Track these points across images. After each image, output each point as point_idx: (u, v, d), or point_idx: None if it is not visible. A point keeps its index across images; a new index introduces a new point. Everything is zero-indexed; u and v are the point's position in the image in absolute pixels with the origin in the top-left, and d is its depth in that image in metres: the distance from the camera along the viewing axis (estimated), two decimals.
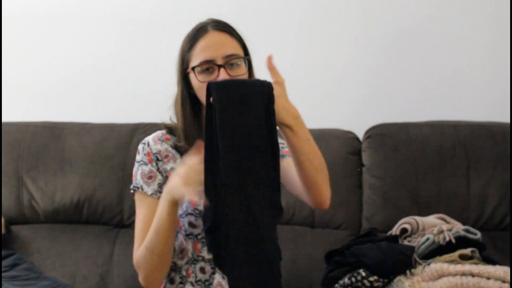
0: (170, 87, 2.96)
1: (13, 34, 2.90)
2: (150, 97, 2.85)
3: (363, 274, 1.95)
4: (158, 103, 2.84)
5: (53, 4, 2.88)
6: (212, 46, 1.71)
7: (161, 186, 1.76)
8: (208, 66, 1.69)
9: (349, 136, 2.56)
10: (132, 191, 1.79)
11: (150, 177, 1.76)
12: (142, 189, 1.76)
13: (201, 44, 1.72)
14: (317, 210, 2.44)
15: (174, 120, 1.83)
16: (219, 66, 1.67)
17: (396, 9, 2.76)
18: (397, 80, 2.77)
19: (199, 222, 1.75)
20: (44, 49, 2.90)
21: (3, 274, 2.31)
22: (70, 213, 2.55)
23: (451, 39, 2.74)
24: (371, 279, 1.95)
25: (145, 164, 1.77)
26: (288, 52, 2.77)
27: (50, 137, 2.60)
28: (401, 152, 2.46)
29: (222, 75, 1.66)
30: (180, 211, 1.75)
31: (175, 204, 1.62)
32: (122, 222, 2.55)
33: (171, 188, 1.60)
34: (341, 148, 2.51)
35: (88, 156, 2.55)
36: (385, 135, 2.51)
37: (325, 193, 1.66)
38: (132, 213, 2.53)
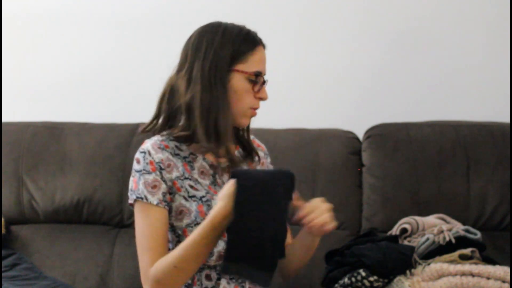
0: None
1: (13, 34, 2.90)
2: (150, 97, 2.84)
3: (363, 274, 1.95)
4: None
5: (53, 4, 2.88)
6: (264, 61, 1.76)
7: (165, 195, 1.70)
8: (259, 78, 1.73)
9: (349, 136, 2.56)
10: (131, 202, 1.73)
11: (154, 186, 1.70)
12: (146, 199, 1.69)
13: (259, 54, 1.74)
14: None
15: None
16: (264, 82, 1.74)
17: (396, 9, 2.76)
18: (397, 80, 2.77)
19: None
20: (44, 49, 2.90)
21: (3, 274, 2.31)
22: (70, 213, 2.55)
23: (451, 39, 2.74)
24: (371, 279, 1.95)
25: (148, 173, 1.70)
26: (288, 52, 2.77)
27: (50, 137, 2.60)
28: (401, 152, 2.46)
29: (265, 92, 1.74)
30: (188, 221, 1.72)
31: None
32: (122, 222, 2.55)
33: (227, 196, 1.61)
34: (341, 148, 2.51)
35: (88, 156, 2.55)
36: (385, 135, 2.51)
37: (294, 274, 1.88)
38: (132, 213, 2.51)
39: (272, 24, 2.78)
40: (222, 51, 1.70)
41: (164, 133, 1.78)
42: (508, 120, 2.61)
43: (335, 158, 2.49)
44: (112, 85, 2.88)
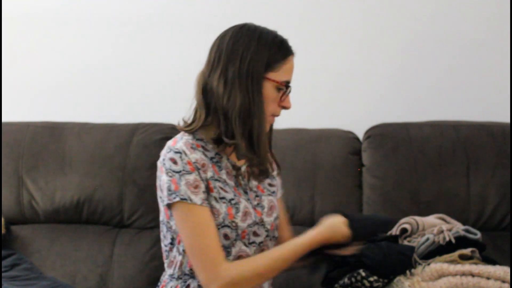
0: (170, 87, 2.98)
1: (13, 34, 2.90)
2: (150, 97, 2.86)
3: (363, 274, 1.95)
4: (158, 103, 2.87)
5: (53, 4, 2.88)
6: (292, 70, 1.80)
7: (205, 194, 1.70)
8: (287, 88, 1.77)
9: (349, 136, 2.56)
10: (170, 202, 1.69)
11: (196, 186, 1.68)
12: (190, 200, 1.67)
13: (290, 63, 1.77)
14: (317, 210, 2.45)
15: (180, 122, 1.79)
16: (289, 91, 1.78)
17: (396, 9, 2.76)
18: (397, 80, 2.77)
19: (233, 235, 1.73)
20: (44, 49, 2.90)
21: (2, 274, 2.31)
22: (70, 213, 2.55)
23: (451, 39, 2.74)
24: (371, 279, 1.95)
25: (189, 173, 1.68)
26: None
27: (50, 137, 2.60)
28: (401, 152, 2.46)
29: (289, 101, 1.80)
30: (215, 222, 1.71)
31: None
32: (122, 222, 2.55)
33: (336, 237, 1.77)
34: (341, 148, 2.51)
35: (88, 156, 2.55)
36: (385, 135, 2.51)
37: None
38: (132, 213, 2.53)
39: (272, 24, 2.77)
40: (258, 58, 1.71)
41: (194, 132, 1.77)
42: (508, 120, 2.61)
43: (335, 158, 2.49)
44: (112, 85, 2.88)
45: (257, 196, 1.82)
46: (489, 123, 2.54)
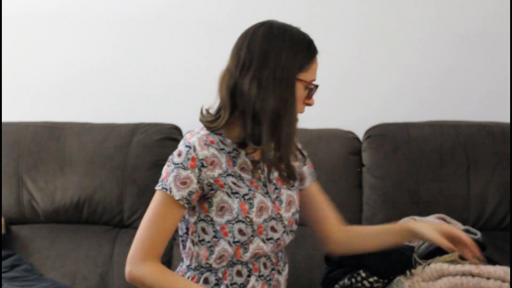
0: (170, 87, 2.97)
1: (13, 34, 2.89)
2: (150, 97, 2.86)
3: (363, 274, 1.96)
4: (158, 103, 2.86)
5: (53, 4, 2.88)
6: (317, 68, 1.82)
7: (190, 194, 1.69)
8: (316, 86, 1.80)
9: (349, 136, 2.56)
10: (156, 189, 1.71)
11: (184, 183, 1.68)
12: (170, 192, 1.68)
13: (316, 62, 1.79)
14: None
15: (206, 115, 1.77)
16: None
17: (397, 10, 2.76)
18: (397, 80, 2.77)
19: (249, 230, 1.72)
20: (44, 49, 2.90)
21: (2, 275, 2.31)
22: (70, 213, 2.55)
23: (451, 39, 2.74)
24: (371, 279, 1.95)
25: (184, 168, 1.68)
26: None
27: (50, 137, 2.60)
28: (401, 152, 2.46)
29: (313, 99, 1.80)
30: (229, 217, 1.71)
31: None
32: (122, 222, 2.55)
33: None
34: (341, 148, 2.51)
35: (88, 156, 2.55)
36: (385, 135, 2.51)
37: None
38: (132, 213, 2.53)
39: None
40: (291, 61, 1.71)
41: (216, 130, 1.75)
42: (508, 120, 2.61)
43: (335, 158, 2.49)
44: (112, 85, 2.87)
45: (276, 189, 1.80)
46: (489, 123, 2.54)
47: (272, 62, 1.68)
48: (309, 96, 1.78)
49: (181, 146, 1.71)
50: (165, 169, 1.71)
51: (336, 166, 2.48)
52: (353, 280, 1.96)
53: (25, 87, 2.91)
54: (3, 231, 2.45)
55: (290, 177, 1.79)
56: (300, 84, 1.73)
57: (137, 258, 1.70)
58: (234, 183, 1.72)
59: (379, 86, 2.78)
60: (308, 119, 2.72)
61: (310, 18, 2.80)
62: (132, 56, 2.86)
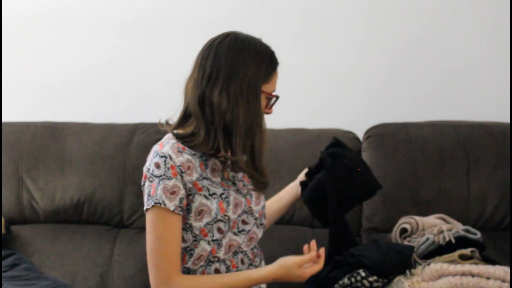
0: (170, 87, 2.97)
1: (13, 34, 2.90)
2: (150, 97, 2.86)
3: (363, 274, 1.95)
4: (158, 103, 2.86)
5: (53, 4, 2.88)
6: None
7: (181, 201, 1.72)
8: (276, 98, 1.82)
9: (349, 136, 2.56)
10: (147, 208, 1.73)
11: (173, 192, 1.71)
12: (164, 205, 1.70)
13: (277, 73, 1.81)
14: None
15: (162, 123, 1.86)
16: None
17: (396, 10, 2.76)
18: (397, 80, 2.77)
19: (226, 227, 1.77)
20: (44, 49, 2.90)
21: (3, 274, 2.31)
22: (70, 213, 2.55)
23: (451, 39, 2.74)
24: (371, 279, 1.95)
25: (168, 178, 1.71)
26: (288, 52, 2.75)
27: (50, 137, 2.60)
28: (401, 152, 2.46)
29: (272, 108, 1.83)
30: (208, 219, 1.75)
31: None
32: (122, 222, 2.55)
33: (289, 277, 1.76)
34: None
35: (88, 156, 2.55)
36: (385, 135, 2.51)
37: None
38: (132, 213, 2.53)
39: (273, 24, 2.78)
40: (256, 73, 1.74)
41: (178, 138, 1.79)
42: (508, 120, 2.61)
43: None
44: (112, 85, 2.88)
45: (244, 185, 1.87)
46: (489, 123, 2.54)
47: (240, 75, 1.72)
48: (269, 106, 1.81)
49: (155, 158, 1.73)
50: (149, 185, 1.73)
51: None
52: (353, 279, 1.96)
53: (25, 87, 2.91)
54: (3, 231, 2.45)
55: (264, 184, 1.83)
56: (263, 95, 1.77)
57: (162, 282, 1.71)
58: (210, 185, 1.77)
59: (379, 86, 2.78)
60: (308, 119, 2.74)
61: (310, 18, 2.80)
62: (132, 56, 2.86)
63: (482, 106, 2.72)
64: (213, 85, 1.73)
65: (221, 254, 1.79)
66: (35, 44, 2.90)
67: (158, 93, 2.85)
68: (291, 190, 2.09)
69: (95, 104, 2.87)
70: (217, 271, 1.78)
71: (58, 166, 2.56)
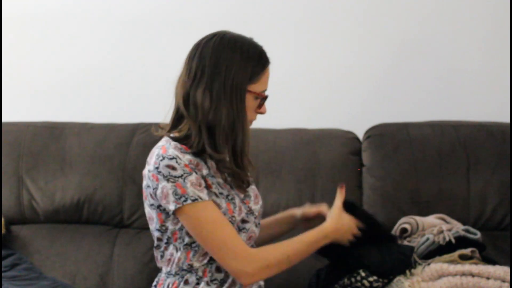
0: (170, 87, 2.96)
1: (13, 34, 2.90)
2: (150, 97, 2.86)
3: (363, 274, 1.95)
4: (158, 103, 2.85)
5: (53, 4, 2.88)
6: (269, 78, 1.81)
7: (207, 187, 1.74)
8: (265, 96, 1.79)
9: (349, 136, 2.56)
10: (180, 206, 1.70)
11: (200, 184, 1.72)
12: (200, 198, 1.71)
13: (267, 73, 1.79)
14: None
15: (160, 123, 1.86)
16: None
17: (396, 10, 2.76)
18: (397, 80, 2.77)
19: None
20: (44, 49, 2.90)
21: (3, 274, 2.31)
22: (70, 213, 2.55)
23: (451, 39, 2.74)
24: (371, 279, 1.95)
25: (190, 174, 1.71)
26: (288, 52, 2.77)
27: (50, 137, 2.60)
28: (401, 152, 2.46)
29: (265, 107, 1.81)
30: None
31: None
32: (122, 222, 2.55)
33: (340, 237, 1.87)
34: (341, 148, 2.51)
35: (88, 156, 2.55)
36: (385, 135, 2.51)
37: None
38: (132, 213, 2.53)
39: (273, 24, 2.78)
40: (241, 72, 1.73)
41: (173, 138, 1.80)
42: (508, 120, 2.61)
43: (335, 158, 2.49)
44: (112, 85, 2.88)
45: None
46: (489, 123, 2.54)
47: (223, 74, 1.72)
48: (260, 105, 1.80)
49: (164, 161, 1.72)
50: (174, 185, 1.71)
51: (336, 166, 2.48)
52: (353, 279, 1.96)
53: (25, 87, 2.91)
54: (3, 231, 2.45)
55: (246, 183, 1.83)
56: (250, 95, 1.76)
57: (242, 257, 1.73)
58: (218, 184, 1.77)
59: (379, 86, 2.78)
60: (308, 119, 2.74)
61: (309, 18, 2.80)
62: (132, 56, 2.86)
63: (482, 106, 2.72)
64: (197, 84, 1.74)
65: None
66: (35, 44, 2.91)
67: (158, 93, 2.83)
68: (292, 220, 2.06)
69: (95, 104, 2.87)
70: (218, 269, 1.78)
71: (58, 166, 2.56)
